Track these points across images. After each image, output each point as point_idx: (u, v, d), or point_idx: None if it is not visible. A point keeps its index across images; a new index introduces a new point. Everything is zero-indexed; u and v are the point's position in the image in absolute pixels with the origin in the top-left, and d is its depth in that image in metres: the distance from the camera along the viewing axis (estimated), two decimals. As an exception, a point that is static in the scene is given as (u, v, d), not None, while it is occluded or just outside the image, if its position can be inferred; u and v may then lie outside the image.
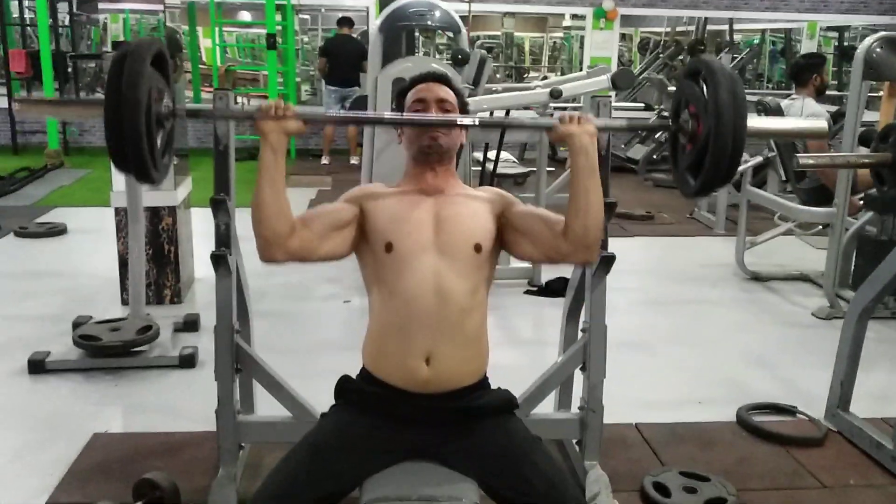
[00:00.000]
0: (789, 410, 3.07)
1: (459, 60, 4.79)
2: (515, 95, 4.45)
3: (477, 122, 1.90)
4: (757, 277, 4.85)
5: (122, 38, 3.92)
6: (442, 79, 1.94)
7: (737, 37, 11.96)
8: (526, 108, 5.15)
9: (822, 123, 1.99)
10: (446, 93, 1.91)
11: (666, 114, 9.01)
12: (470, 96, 4.23)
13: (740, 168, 4.81)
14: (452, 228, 1.82)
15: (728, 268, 5.02)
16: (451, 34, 5.07)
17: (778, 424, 2.95)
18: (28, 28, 9.83)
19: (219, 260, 2.27)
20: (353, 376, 1.89)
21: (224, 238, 2.30)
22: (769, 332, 4.03)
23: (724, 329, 4.08)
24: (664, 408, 3.13)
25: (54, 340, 3.46)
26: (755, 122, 1.88)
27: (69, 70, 9.77)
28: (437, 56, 11.91)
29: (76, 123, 9.70)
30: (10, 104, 9.33)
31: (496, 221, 1.89)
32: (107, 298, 4.12)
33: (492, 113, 4.92)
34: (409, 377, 1.77)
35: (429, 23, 4.91)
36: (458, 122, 1.88)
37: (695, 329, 4.09)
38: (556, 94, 4.08)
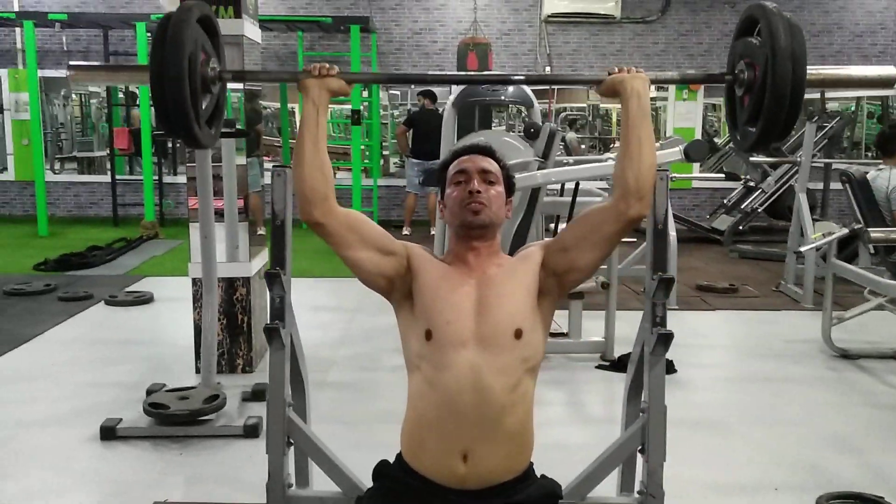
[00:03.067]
0: (876, 502, 2.85)
1: (532, 134, 4.82)
2: (583, 168, 4.43)
3: (524, 78, 1.89)
4: (846, 355, 4.60)
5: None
6: (485, 151, 1.92)
7: (833, 105, 11.68)
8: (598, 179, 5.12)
9: (890, 69, 1.87)
10: (489, 164, 1.87)
11: (752, 183, 8.76)
12: (539, 168, 4.24)
13: (826, 240, 4.63)
14: (493, 315, 1.75)
15: (815, 344, 4.78)
16: (524, 108, 5.11)
17: (862, 516, 2.75)
18: (132, 108, 10.46)
19: (272, 333, 2.29)
20: (392, 460, 1.86)
21: (278, 311, 2.32)
22: (857, 415, 3.79)
23: (808, 409, 3.86)
24: (738, 493, 2.96)
25: (128, 407, 3.57)
26: (816, 69, 1.81)
27: (168, 146, 10.33)
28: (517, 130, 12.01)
29: (171, 196, 10.19)
30: (112, 179, 9.95)
31: (538, 277, 1.83)
32: (183, 367, 4.23)
33: (562, 187, 4.93)
34: (446, 473, 1.72)
35: (502, 98, 4.97)
36: (512, 79, 1.89)
37: (775, 408, 3.89)
38: (626, 166, 4.04)
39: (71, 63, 2.10)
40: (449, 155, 1.96)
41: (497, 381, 1.71)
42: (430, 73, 1.80)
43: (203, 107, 1.88)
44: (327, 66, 1.86)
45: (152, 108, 9.72)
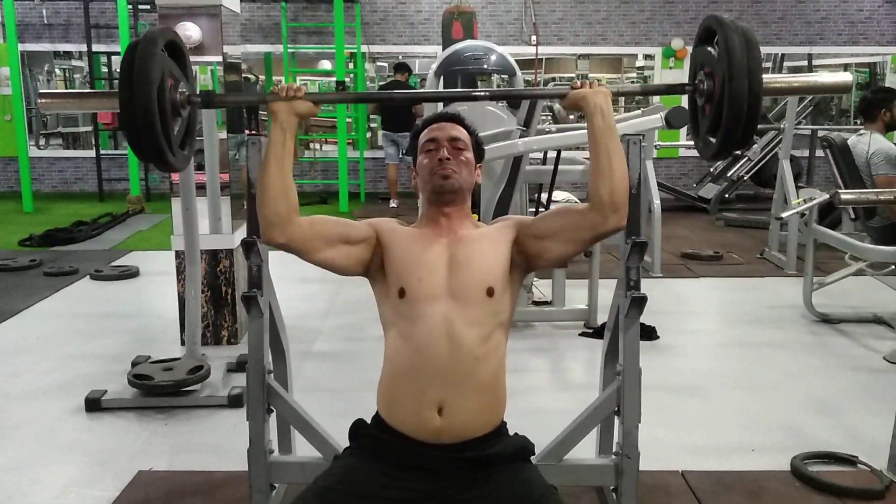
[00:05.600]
0: (849, 460, 2.90)
1: (514, 103, 4.81)
2: (563, 136, 4.43)
3: (486, 94, 1.94)
4: (826, 319, 4.65)
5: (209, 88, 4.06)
6: (454, 119, 1.98)
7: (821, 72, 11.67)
8: (577, 148, 5.12)
9: (846, 76, 1.93)
10: (458, 131, 1.93)
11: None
12: (521, 137, 4.24)
13: (806, 206, 4.66)
14: (465, 272, 1.82)
15: (797, 309, 4.83)
16: (506, 77, 5.10)
17: (836, 475, 2.79)
18: (115, 81, 10.37)
19: (250, 301, 2.31)
20: (369, 420, 1.89)
21: (256, 279, 2.34)
22: (835, 377, 3.84)
23: (787, 373, 3.91)
24: (714, 454, 3.01)
25: (113, 379, 3.59)
26: (773, 77, 1.87)
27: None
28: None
29: (157, 171, 10.14)
30: (97, 154, 9.88)
31: (511, 250, 1.88)
32: (168, 339, 4.25)
33: (545, 155, 4.93)
34: (422, 427, 1.75)
35: (484, 66, 4.94)
36: (473, 94, 1.99)
37: (756, 373, 3.94)
38: (607, 134, 4.03)
39: (41, 91, 2.08)
40: (420, 124, 2.00)
41: (469, 332, 1.76)
42: (397, 91, 1.85)
43: (175, 132, 1.88)
44: (294, 86, 1.83)
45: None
